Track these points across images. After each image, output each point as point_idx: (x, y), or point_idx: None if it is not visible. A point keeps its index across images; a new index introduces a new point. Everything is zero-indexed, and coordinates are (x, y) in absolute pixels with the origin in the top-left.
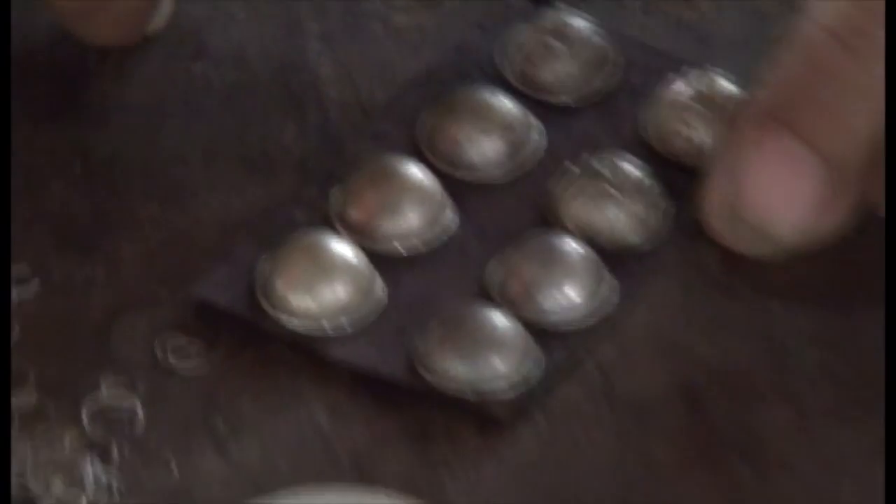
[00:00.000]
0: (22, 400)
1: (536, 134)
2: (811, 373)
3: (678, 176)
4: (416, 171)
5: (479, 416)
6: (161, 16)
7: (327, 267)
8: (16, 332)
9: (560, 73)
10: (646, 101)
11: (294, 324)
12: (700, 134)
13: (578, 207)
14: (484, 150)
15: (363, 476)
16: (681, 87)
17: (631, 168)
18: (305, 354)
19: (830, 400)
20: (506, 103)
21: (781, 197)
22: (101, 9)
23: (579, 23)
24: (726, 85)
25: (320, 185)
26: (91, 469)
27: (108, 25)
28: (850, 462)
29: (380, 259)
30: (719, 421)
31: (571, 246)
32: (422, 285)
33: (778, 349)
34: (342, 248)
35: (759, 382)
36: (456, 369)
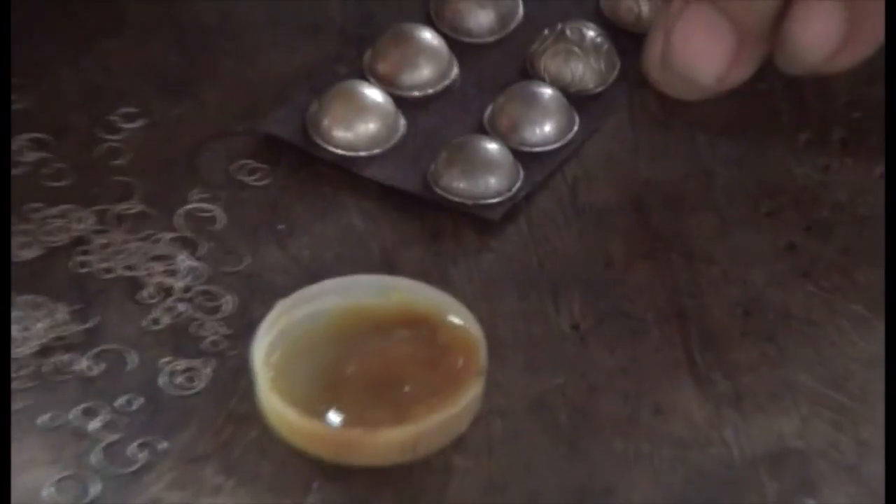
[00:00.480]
0: (131, 207)
1: (520, 7)
2: (728, 187)
3: (627, 40)
4: (428, 35)
5: (476, 219)
6: None
7: (361, 107)
8: (127, 158)
9: None
10: None
11: (336, 151)
12: (644, 8)
13: (551, 62)
14: (480, 20)
15: (389, 266)
16: None
17: (592, 34)
18: (345, 173)
19: (743, 208)
20: None
21: (701, 52)
22: None
23: None
24: None
25: (356, 47)
26: (183, 259)
27: None
28: (758, 257)
29: (401, 102)
30: (659, 225)
31: (546, 91)
32: (433, 122)
33: (703, 170)
34: (373, 94)
35: (689, 195)
36: (459, 184)
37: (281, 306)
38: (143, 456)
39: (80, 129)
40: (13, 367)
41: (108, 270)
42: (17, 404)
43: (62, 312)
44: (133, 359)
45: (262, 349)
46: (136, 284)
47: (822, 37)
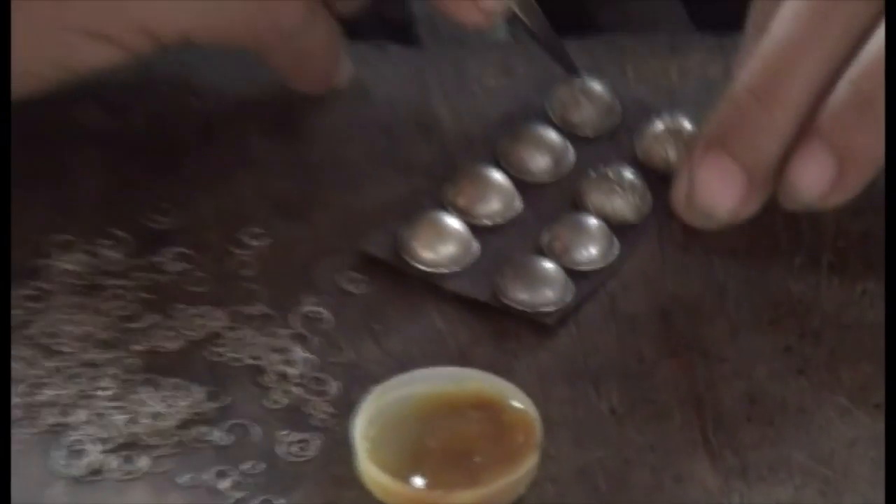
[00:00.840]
0: (256, 309)
1: (570, 154)
2: (738, 300)
3: (659, 180)
4: (497, 175)
5: (535, 323)
6: (342, 77)
7: (443, 233)
8: (253, 269)
9: (585, 116)
10: (638, 134)
11: (422, 267)
12: (671, 155)
13: (597, 198)
14: (539, 163)
15: (464, 360)
16: (659, 126)
17: (629, 175)
18: (429, 285)
19: (750, 317)
20: (552, 134)
21: (718, 193)
22: (304, 71)
23: (596, 85)
24: (686, 124)
25: (439, 183)
26: (298, 351)
27: (310, 82)
28: (762, 356)
29: (475, 228)
30: (681, 329)
31: (593, 221)
32: (501, 245)
33: (718, 285)
34: (452, 222)
35: (705, 306)
36: (522, 295)
37: (376, 391)
38: None
39: (216, 245)
40: (162, 437)
41: (236, 360)
42: (163, 467)
43: (200, 393)
44: (257, 431)
45: (361, 425)
46: (259, 371)
47: (815, 181)
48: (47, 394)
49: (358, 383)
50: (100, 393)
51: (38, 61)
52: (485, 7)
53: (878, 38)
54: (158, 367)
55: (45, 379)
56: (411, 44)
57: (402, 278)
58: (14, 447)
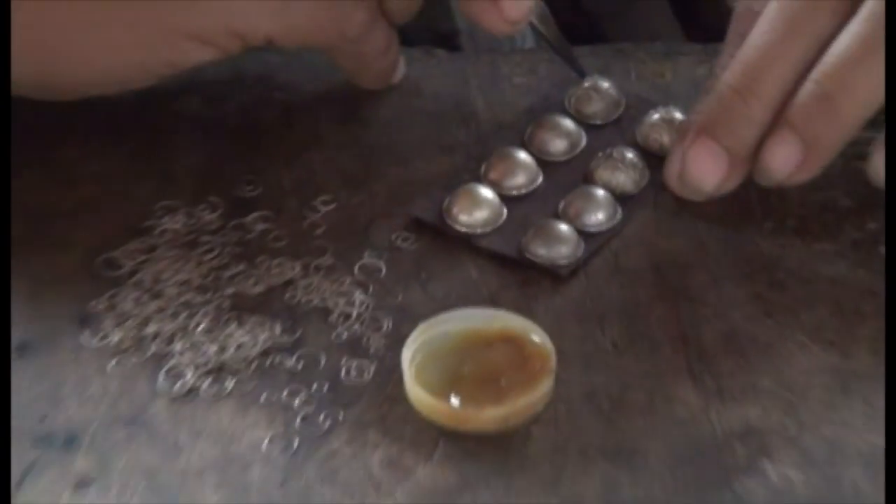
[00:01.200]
0: (325, 261)
1: (583, 138)
2: (717, 256)
3: (655, 160)
4: (523, 155)
5: (552, 274)
6: (398, 75)
7: (478, 201)
8: (322, 229)
9: (595, 108)
10: (638, 123)
11: (461, 229)
12: (665, 139)
13: (603, 173)
14: (556, 145)
15: (493, 303)
16: (655, 116)
17: (630, 155)
18: (466, 243)
19: (727, 270)
20: (568, 122)
21: (705, 171)
22: (366, 70)
23: (604, 83)
24: (678, 115)
25: (476, 161)
26: (358, 295)
27: (371, 79)
28: (738, 301)
29: (504, 198)
30: (671, 280)
31: (600, 192)
32: (525, 211)
33: (701, 244)
34: (486, 192)
35: (691, 261)
36: (542, 251)
37: (421, 327)
38: (328, 423)
39: (293, 210)
40: (245, 364)
41: (308, 302)
42: (245, 388)
43: (277, 329)
44: (322, 359)
45: (409, 355)
46: (326, 311)
47: (784, 163)
48: (152, 328)
49: (406, 321)
50: (195, 328)
51: (148, 58)
52: (508, 17)
53: (839, 44)
54: (244, 307)
55: (151, 316)
56: (455, 50)
57: (443, 237)
58: (124, 373)
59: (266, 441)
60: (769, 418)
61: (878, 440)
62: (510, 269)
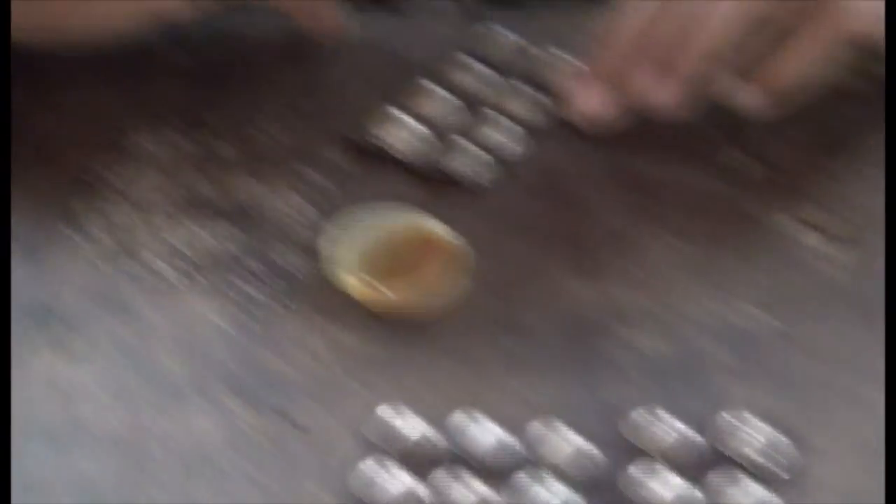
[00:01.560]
0: (275, 175)
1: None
2: (605, 178)
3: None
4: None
5: (471, 189)
6: (353, 28)
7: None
8: (273, 148)
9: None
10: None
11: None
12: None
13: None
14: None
15: (424, 209)
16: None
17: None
18: (397, 163)
19: (615, 189)
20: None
21: (591, 104)
22: (314, 21)
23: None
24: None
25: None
26: (300, 201)
27: (318, 29)
28: (621, 214)
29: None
30: (571, 197)
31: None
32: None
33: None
34: (410, 121)
35: (588, 182)
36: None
37: (350, 217)
38: (280, 310)
39: (241, 129)
40: (210, 259)
41: (261, 206)
42: (213, 278)
43: (237, 230)
44: (276, 257)
45: (340, 250)
46: (280, 215)
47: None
48: (125, 224)
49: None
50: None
51: (137, 8)
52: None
53: (703, 31)
54: (206, 210)
55: (126, 217)
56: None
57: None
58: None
59: (226, 324)
60: (637, 300)
61: (724, 311)
62: (422, 184)
